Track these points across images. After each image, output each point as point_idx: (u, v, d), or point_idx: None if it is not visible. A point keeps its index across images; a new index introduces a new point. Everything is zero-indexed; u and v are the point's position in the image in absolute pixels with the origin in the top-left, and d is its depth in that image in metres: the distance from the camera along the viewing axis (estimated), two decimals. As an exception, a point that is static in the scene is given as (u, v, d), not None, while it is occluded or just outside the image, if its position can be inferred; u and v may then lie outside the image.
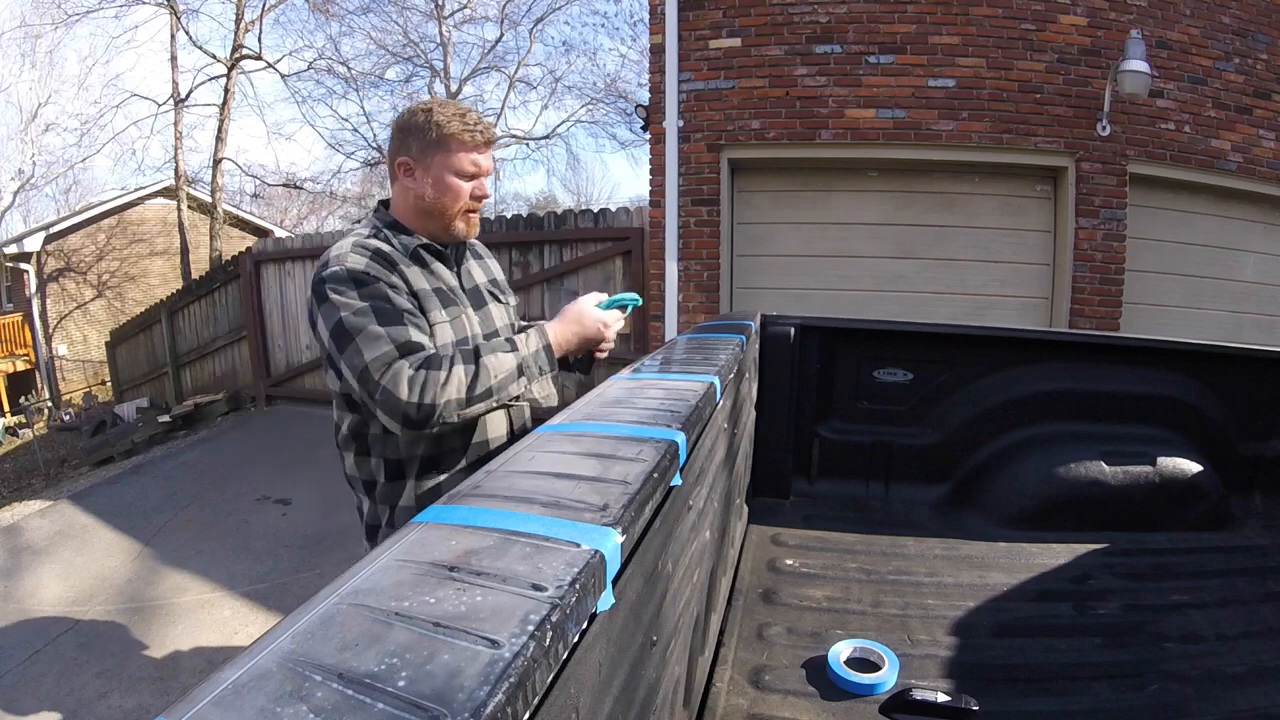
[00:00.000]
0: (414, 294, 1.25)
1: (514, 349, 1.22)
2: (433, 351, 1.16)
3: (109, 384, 12.19)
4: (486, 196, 1.36)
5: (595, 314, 1.34)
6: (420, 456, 1.28)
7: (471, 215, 1.35)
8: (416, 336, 1.17)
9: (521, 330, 1.33)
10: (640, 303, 1.37)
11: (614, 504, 0.62)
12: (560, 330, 1.31)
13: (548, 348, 1.27)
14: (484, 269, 1.50)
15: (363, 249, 1.25)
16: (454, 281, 1.38)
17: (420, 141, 1.28)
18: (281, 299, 7.33)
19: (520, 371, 1.21)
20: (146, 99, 16.30)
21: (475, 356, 1.17)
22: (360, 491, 1.34)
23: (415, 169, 1.30)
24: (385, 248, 1.27)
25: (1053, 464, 2.01)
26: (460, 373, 1.13)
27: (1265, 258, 4.81)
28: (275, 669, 0.38)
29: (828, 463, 2.24)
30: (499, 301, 1.46)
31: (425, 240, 1.34)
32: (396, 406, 1.10)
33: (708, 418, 1.09)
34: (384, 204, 1.40)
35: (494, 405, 1.20)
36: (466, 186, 1.31)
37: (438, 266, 1.36)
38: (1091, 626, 1.51)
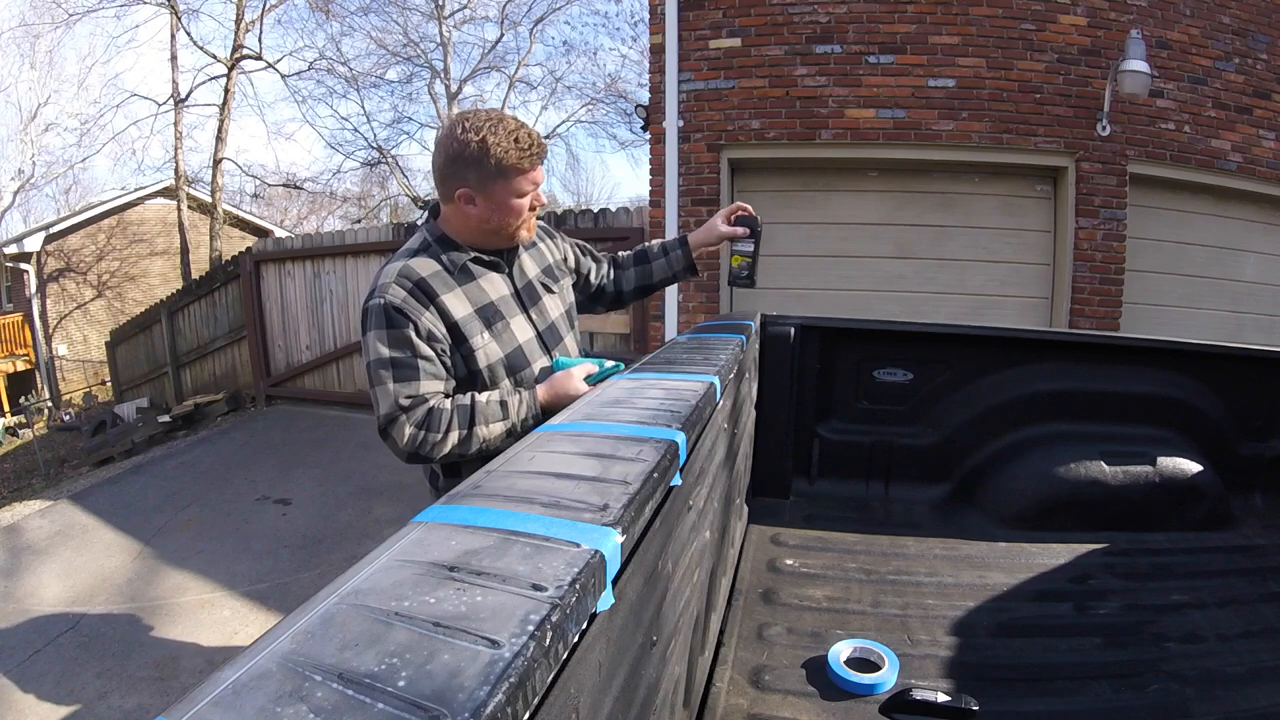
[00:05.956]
0: (450, 327, 1.33)
1: (505, 416, 1.33)
2: (433, 405, 1.29)
3: (109, 384, 12.19)
4: (544, 205, 1.44)
5: (578, 389, 1.36)
6: (471, 456, 1.35)
7: (530, 222, 1.43)
8: (425, 388, 1.30)
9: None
10: (624, 369, 1.41)
11: (614, 504, 0.62)
12: (547, 399, 1.38)
13: (537, 416, 1.36)
14: (537, 258, 1.56)
15: (405, 279, 1.32)
16: (506, 288, 1.45)
17: (478, 172, 1.32)
18: (281, 299, 7.32)
19: (510, 434, 1.34)
20: (146, 99, 16.37)
21: (470, 423, 1.30)
22: (430, 485, 1.54)
23: (476, 198, 1.35)
24: (430, 269, 1.35)
25: (1053, 464, 2.01)
26: (454, 437, 1.30)
27: (1265, 258, 4.81)
28: (275, 669, 0.38)
29: (828, 463, 2.24)
30: (551, 292, 1.54)
31: (475, 254, 1.40)
32: (398, 452, 1.31)
33: (708, 418, 1.09)
34: (434, 211, 1.43)
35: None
36: (526, 203, 1.37)
37: (489, 275, 1.43)
38: (1091, 626, 1.51)
